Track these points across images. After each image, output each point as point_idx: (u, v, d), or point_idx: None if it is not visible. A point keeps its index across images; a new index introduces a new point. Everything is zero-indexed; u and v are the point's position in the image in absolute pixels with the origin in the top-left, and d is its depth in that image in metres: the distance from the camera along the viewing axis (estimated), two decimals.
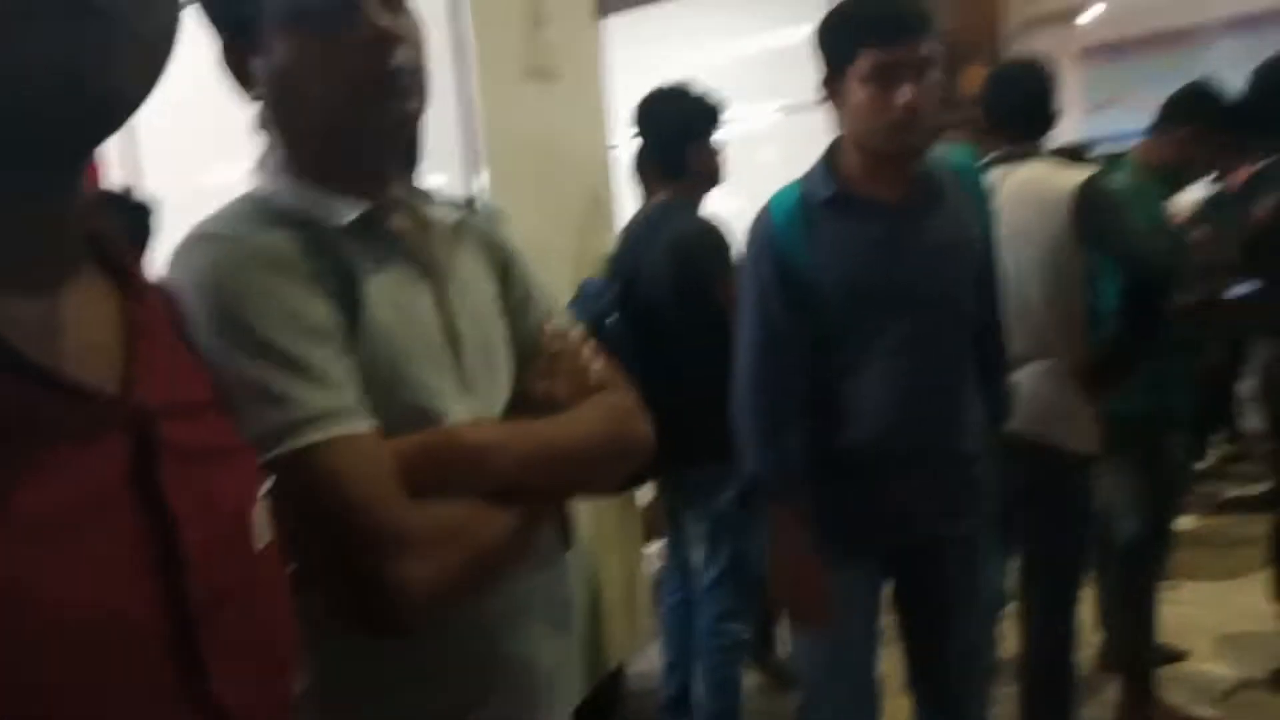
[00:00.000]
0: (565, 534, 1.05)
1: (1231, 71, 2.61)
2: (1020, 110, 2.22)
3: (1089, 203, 2.01)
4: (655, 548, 3.71)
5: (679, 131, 2.41)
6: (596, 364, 1.04)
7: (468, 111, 2.18)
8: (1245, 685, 2.81)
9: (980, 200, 1.69)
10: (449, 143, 2.16)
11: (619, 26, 5.42)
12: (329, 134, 0.90)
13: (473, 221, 1.05)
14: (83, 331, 0.52)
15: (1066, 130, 8.24)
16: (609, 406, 1.00)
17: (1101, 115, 12.78)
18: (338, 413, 0.79)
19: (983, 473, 1.70)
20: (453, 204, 1.05)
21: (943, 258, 1.59)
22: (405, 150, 1.43)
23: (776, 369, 1.60)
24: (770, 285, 1.58)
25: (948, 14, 7.35)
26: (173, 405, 0.56)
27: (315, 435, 0.77)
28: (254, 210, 0.89)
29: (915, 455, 1.60)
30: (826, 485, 1.63)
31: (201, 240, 0.84)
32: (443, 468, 0.84)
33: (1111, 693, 2.70)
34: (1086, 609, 3.18)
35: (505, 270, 1.06)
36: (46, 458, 0.46)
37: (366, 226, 0.90)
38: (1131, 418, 2.44)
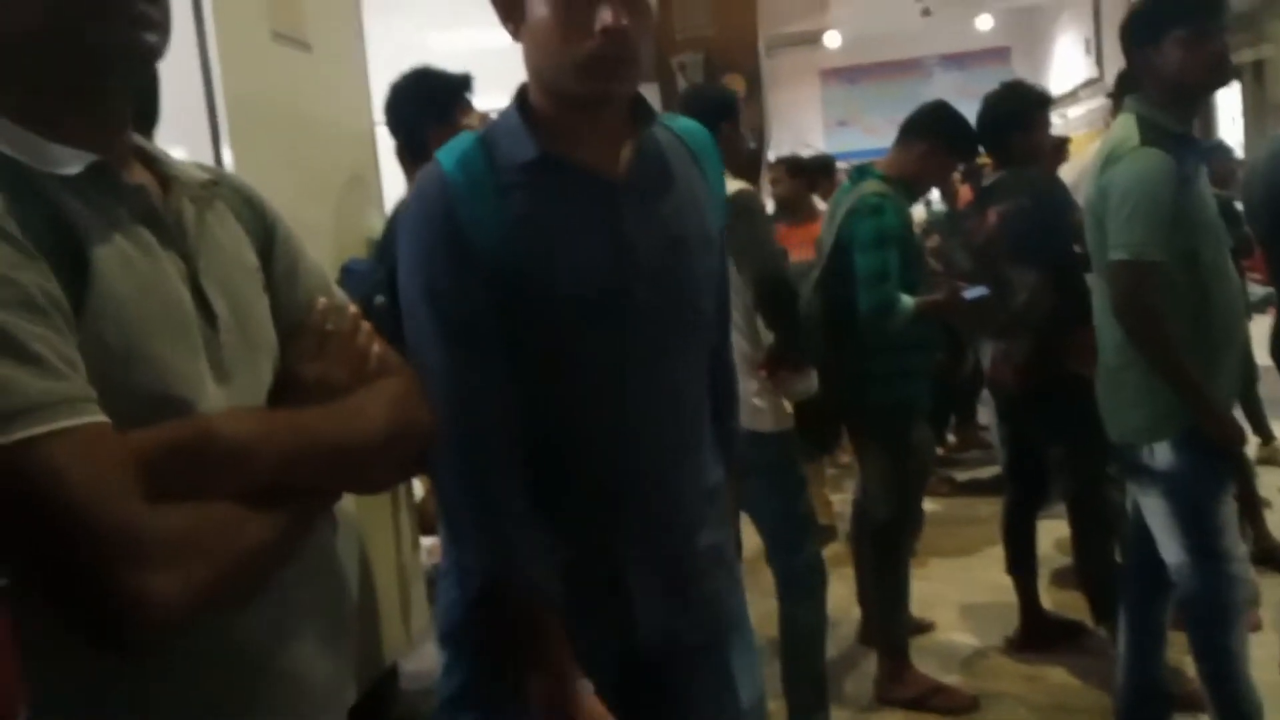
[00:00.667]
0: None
1: (948, 100, 2.90)
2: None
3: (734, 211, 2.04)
4: (430, 542, 3.61)
5: (418, 115, 2.26)
6: (375, 345, 0.93)
7: (207, 76, 1.98)
8: (985, 652, 3.09)
9: (718, 183, 1.31)
10: (186, 109, 1.92)
11: None
12: (38, 54, 0.75)
13: (226, 183, 0.92)
14: None
15: (812, 143, 8.78)
16: (391, 394, 0.90)
17: (838, 132, 13.88)
18: (59, 402, 0.66)
19: (731, 556, 1.36)
20: (200, 166, 0.91)
21: (680, 255, 1.19)
22: (140, 105, 1.24)
23: (482, 407, 1.12)
24: (454, 283, 1.11)
25: (706, 28, 7.71)
26: None
27: (32, 428, 0.64)
28: None
29: (641, 530, 1.19)
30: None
31: None
32: (194, 466, 0.73)
33: (871, 666, 2.90)
34: (846, 588, 3.43)
35: (267, 240, 0.93)
36: None
37: (94, 180, 0.76)
38: (881, 408, 2.65)
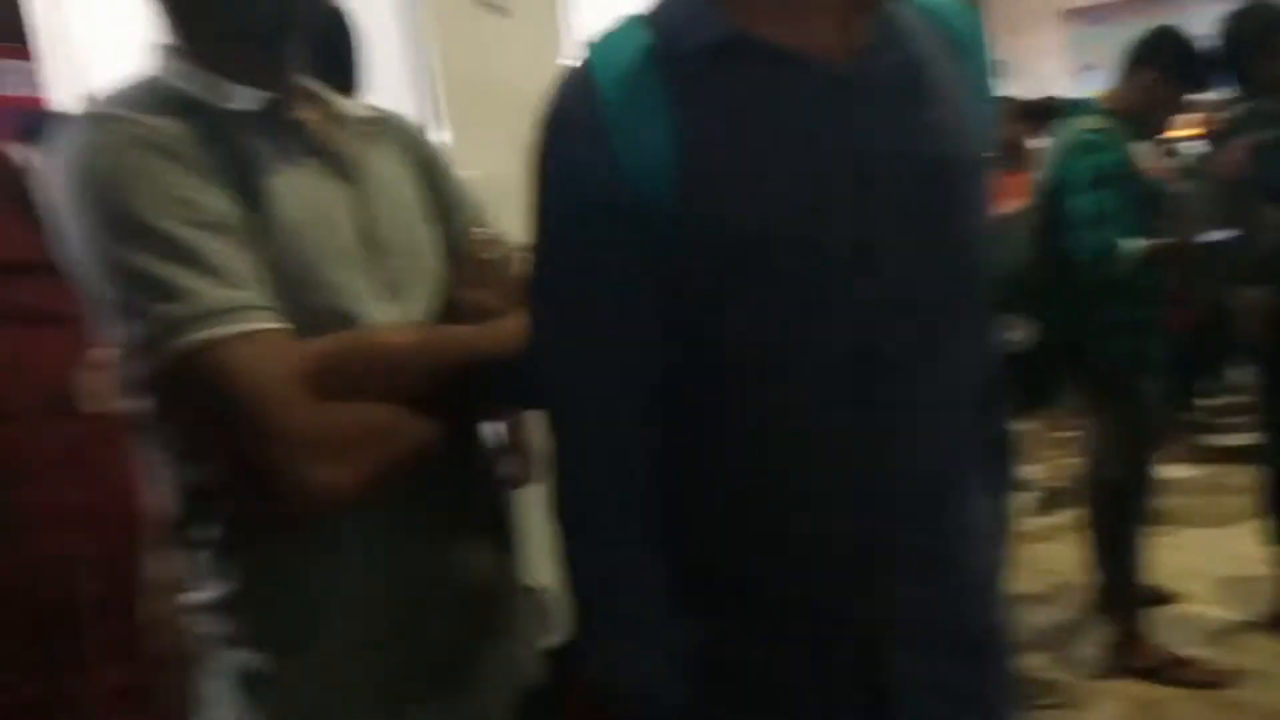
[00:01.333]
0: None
1: (1208, 36, 2.63)
2: None
3: None
4: None
5: None
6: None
7: (417, 46, 2.04)
8: (1241, 627, 2.82)
9: (985, 85, 0.86)
10: (396, 80, 1.99)
11: None
12: (228, 5, 0.83)
13: (390, 120, 1.00)
14: None
15: (1055, 90, 8.19)
16: None
17: (1085, 77, 12.76)
18: (235, 309, 0.75)
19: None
20: (364, 105, 0.99)
21: (945, 187, 0.78)
22: (340, 67, 1.36)
23: (623, 438, 0.80)
24: (597, 244, 0.76)
25: None
26: None
27: (210, 330, 0.73)
28: (143, 93, 0.82)
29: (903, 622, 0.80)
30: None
31: (87, 121, 0.79)
32: (357, 368, 0.81)
33: (1104, 634, 2.73)
34: (1077, 551, 3.22)
35: (428, 173, 1.00)
36: None
37: (270, 117, 0.85)
38: (1106, 362, 2.47)
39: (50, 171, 0.79)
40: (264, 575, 0.83)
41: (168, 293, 0.73)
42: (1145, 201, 2.46)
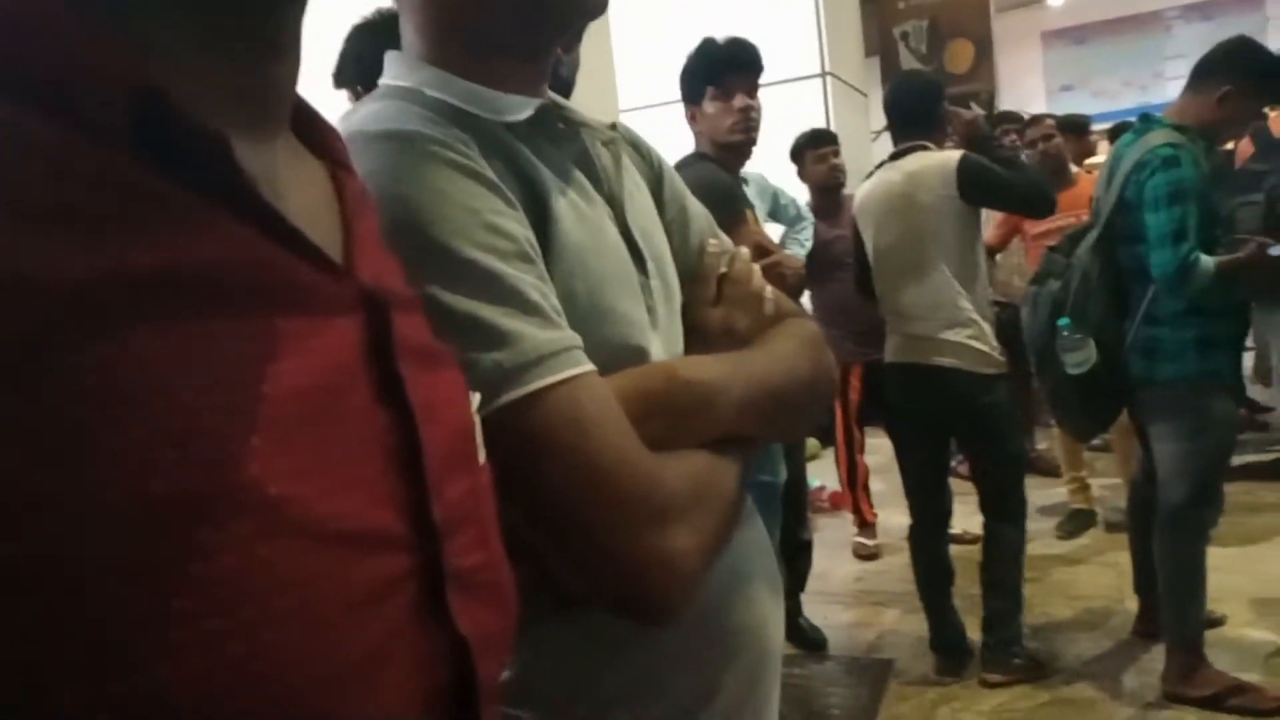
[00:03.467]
0: None
1: (1188, 58, 2.59)
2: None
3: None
4: None
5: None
6: (769, 289, 0.88)
7: None
8: None
9: None
10: None
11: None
12: (514, 15, 0.75)
13: (620, 128, 0.90)
14: (302, 194, 0.43)
15: (1034, 109, 8.32)
16: (804, 337, 0.86)
17: (1062, 98, 12.99)
18: (564, 350, 0.64)
19: None
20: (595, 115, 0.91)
21: None
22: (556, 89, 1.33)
23: None
24: None
25: None
26: (391, 292, 0.45)
27: (547, 377, 0.62)
28: (412, 104, 0.71)
29: None
30: None
31: (366, 139, 0.67)
32: (670, 413, 0.69)
33: (1153, 661, 2.68)
34: (1111, 576, 3.18)
35: (658, 184, 0.91)
36: (282, 331, 0.36)
37: (538, 127, 0.75)
38: (1179, 383, 2.41)
39: None
40: (556, 652, 0.73)
41: (492, 337, 0.62)
42: (1214, 218, 2.42)
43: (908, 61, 7.34)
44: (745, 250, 0.90)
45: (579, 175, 0.78)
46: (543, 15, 0.76)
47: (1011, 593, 2.77)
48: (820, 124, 5.47)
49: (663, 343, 0.79)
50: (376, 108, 0.72)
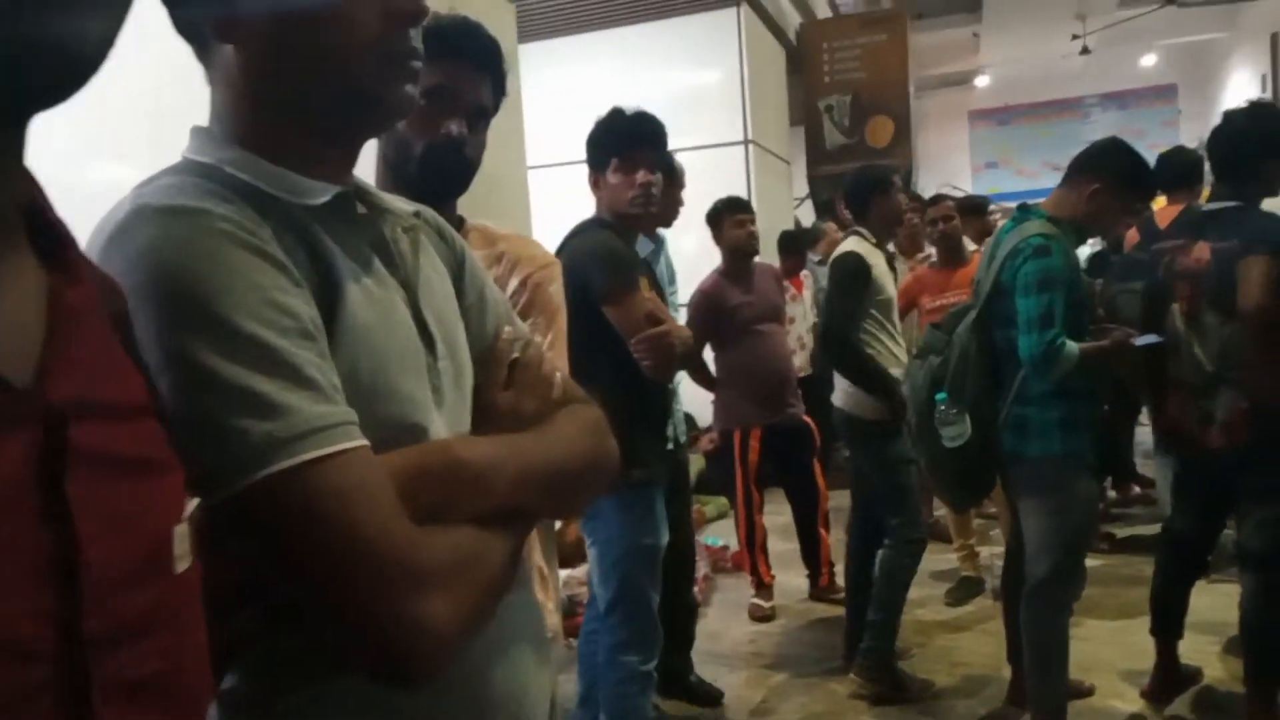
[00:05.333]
0: None
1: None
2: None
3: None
4: (567, 574, 3.67)
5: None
6: (558, 375, 0.95)
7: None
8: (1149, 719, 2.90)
9: None
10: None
11: (534, 53, 5.52)
12: (326, 103, 0.79)
13: (425, 215, 0.96)
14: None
15: (959, 185, 8.63)
16: (584, 421, 0.92)
17: (987, 174, 13.50)
18: (337, 424, 0.67)
19: None
20: (398, 199, 0.94)
21: None
22: (449, 172, 1.38)
23: None
24: None
25: (856, 70, 7.68)
26: (93, 404, 0.48)
27: (316, 450, 0.65)
28: (205, 181, 0.73)
29: None
30: None
31: (152, 214, 0.69)
32: (442, 489, 0.74)
33: None
34: (994, 644, 3.27)
35: (459, 269, 0.96)
36: None
37: (336, 211, 0.79)
38: (1043, 460, 2.52)
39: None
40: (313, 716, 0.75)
41: (265, 409, 0.65)
42: (1082, 305, 2.55)
43: (831, 134, 7.58)
44: (539, 338, 0.96)
45: (373, 258, 0.82)
46: (356, 116, 0.81)
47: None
48: (741, 189, 5.63)
49: (447, 422, 0.83)
50: (170, 181, 0.74)
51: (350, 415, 0.70)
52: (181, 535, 0.53)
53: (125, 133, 2.42)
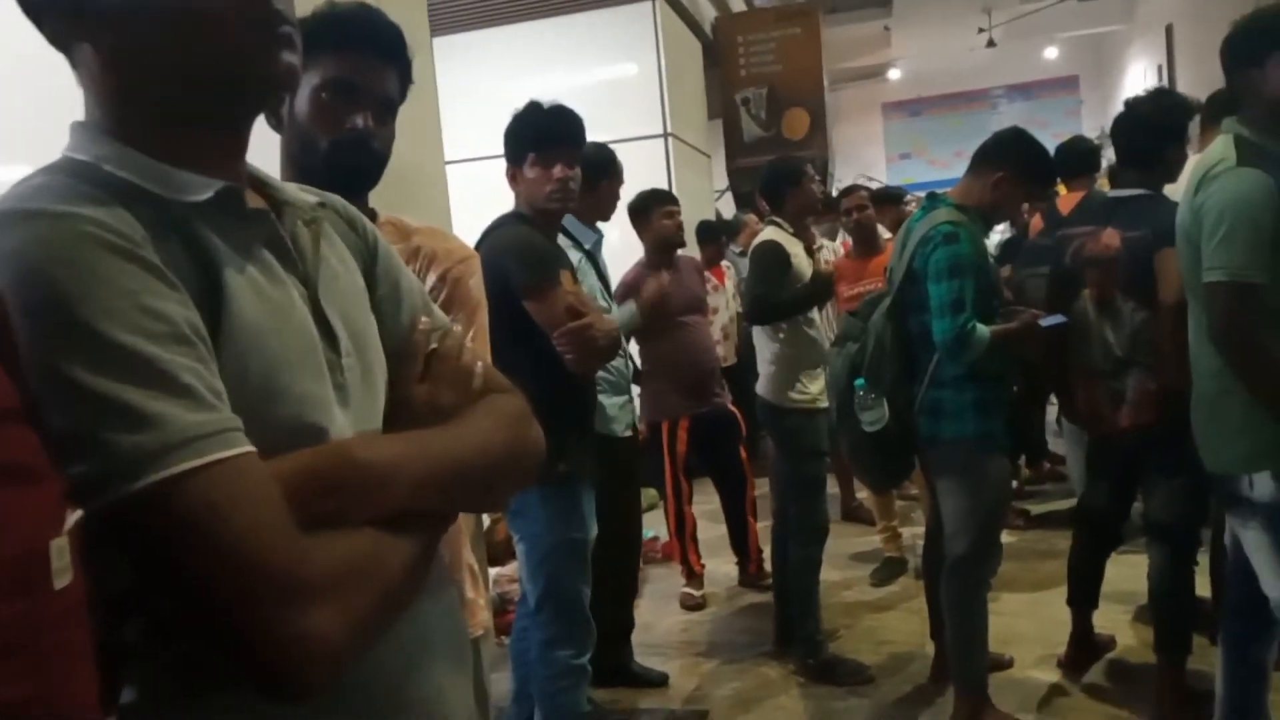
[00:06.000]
0: None
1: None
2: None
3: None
4: (496, 572, 3.66)
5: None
6: (479, 365, 0.91)
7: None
8: (1066, 689, 3.01)
9: None
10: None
11: (450, 46, 5.46)
12: (195, 86, 0.75)
13: (330, 204, 0.92)
14: None
15: (875, 175, 8.81)
16: (503, 412, 0.89)
17: (901, 165, 13.80)
18: (213, 433, 0.64)
19: None
20: (303, 189, 0.90)
21: None
22: (357, 167, 1.35)
23: None
24: None
25: (771, 64, 7.77)
26: None
27: (190, 460, 0.62)
28: (79, 181, 0.70)
29: None
30: None
31: (15, 218, 0.65)
32: (335, 493, 0.71)
33: (945, 704, 2.83)
34: (917, 622, 3.36)
35: (370, 260, 0.93)
36: None
37: (222, 206, 0.75)
38: (957, 441, 2.60)
39: None
40: None
41: (136, 420, 0.62)
42: (991, 290, 2.63)
43: (749, 126, 7.67)
44: (457, 328, 0.94)
45: (265, 255, 0.79)
46: (226, 88, 0.76)
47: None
48: (662, 182, 5.65)
49: (352, 420, 0.80)
50: (39, 183, 0.70)
51: (231, 422, 0.67)
52: (60, 548, 0.51)
53: (13, 131, 2.33)
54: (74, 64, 0.77)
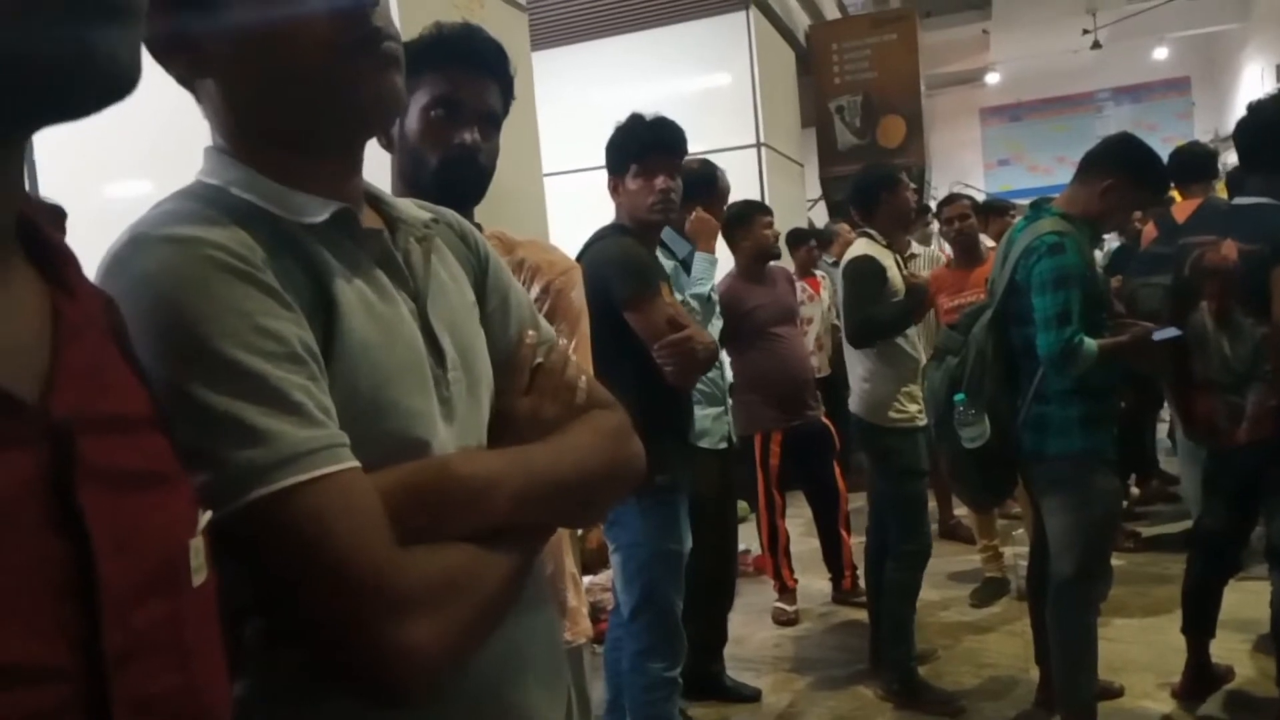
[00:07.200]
0: None
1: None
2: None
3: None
4: (589, 581, 3.68)
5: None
6: (582, 379, 0.92)
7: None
8: (1179, 718, 2.87)
9: None
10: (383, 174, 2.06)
11: (546, 61, 5.55)
12: (301, 110, 0.78)
13: (443, 219, 0.94)
14: (1, 326, 0.45)
15: (972, 183, 8.62)
16: (603, 428, 0.90)
17: (999, 171, 13.45)
18: (321, 449, 0.67)
19: None
20: (417, 204, 0.92)
21: None
22: (467, 182, 1.39)
23: None
24: None
25: (866, 71, 7.67)
26: (100, 419, 0.48)
27: (297, 475, 0.65)
28: (206, 205, 0.74)
29: None
30: None
31: (147, 243, 0.70)
32: (436, 508, 0.73)
33: None
34: (1020, 645, 3.25)
35: (481, 274, 0.95)
36: None
37: (337, 227, 0.79)
38: (1064, 458, 2.51)
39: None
40: None
41: (248, 436, 0.65)
42: (1099, 301, 2.54)
43: (843, 134, 7.58)
44: (564, 342, 0.95)
45: (377, 272, 0.81)
46: (337, 121, 0.80)
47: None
48: (755, 192, 5.63)
49: (457, 434, 0.82)
50: (169, 208, 0.74)
51: (339, 438, 0.70)
52: (196, 548, 0.53)
53: (144, 150, 2.45)
54: (198, 99, 0.81)
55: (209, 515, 0.57)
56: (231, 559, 0.63)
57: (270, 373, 0.67)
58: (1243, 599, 3.04)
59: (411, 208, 0.90)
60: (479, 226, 1.50)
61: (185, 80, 0.80)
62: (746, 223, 3.75)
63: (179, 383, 0.65)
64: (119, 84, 0.45)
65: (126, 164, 2.71)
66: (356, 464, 0.70)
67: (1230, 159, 2.91)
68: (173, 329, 0.66)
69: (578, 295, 1.59)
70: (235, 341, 0.67)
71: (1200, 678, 2.95)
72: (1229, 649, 3.11)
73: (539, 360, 0.92)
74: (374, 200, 0.88)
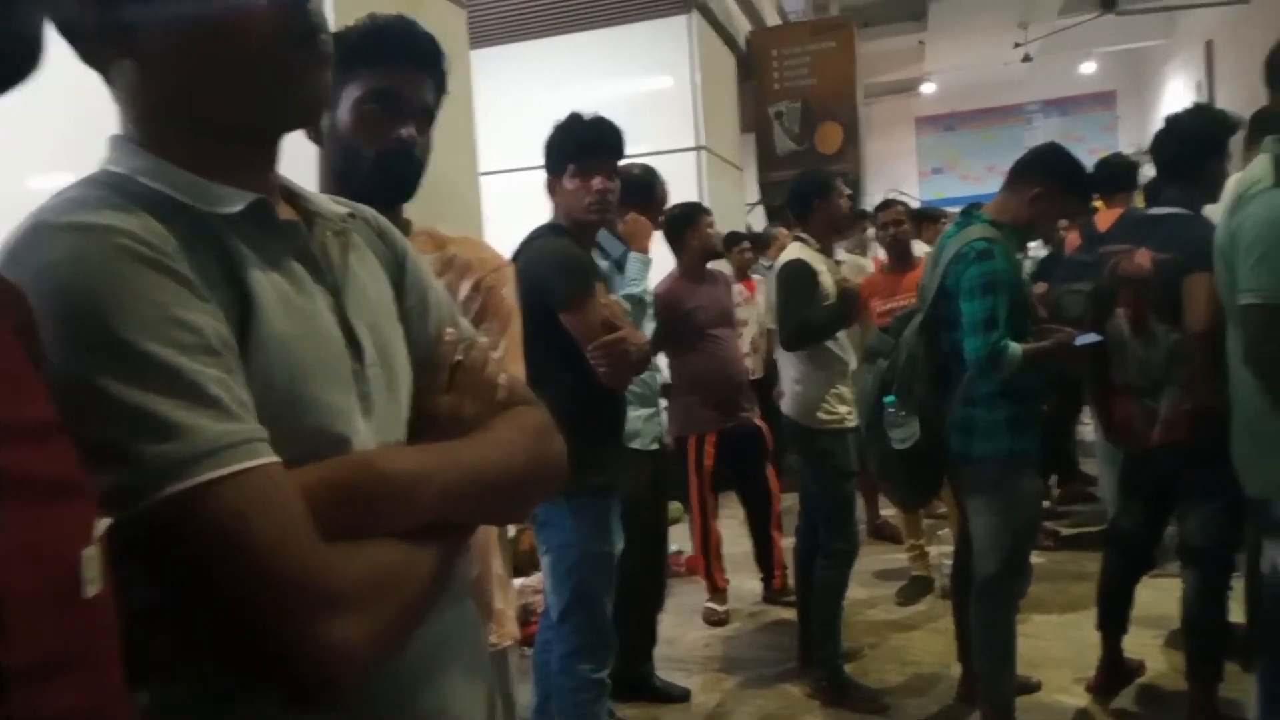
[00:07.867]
0: None
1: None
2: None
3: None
4: (521, 582, 3.66)
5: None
6: (503, 376, 0.92)
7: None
8: (1095, 714, 2.96)
9: None
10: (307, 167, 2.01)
11: (486, 59, 5.51)
12: (238, 100, 0.76)
13: (360, 215, 0.92)
14: None
15: (906, 190, 8.78)
16: (526, 425, 0.89)
17: (933, 179, 13.73)
18: (240, 443, 0.65)
19: None
20: (334, 200, 0.90)
21: None
22: (403, 177, 1.37)
23: None
24: None
25: (805, 77, 7.75)
26: (10, 425, 0.46)
27: (216, 470, 0.63)
28: (113, 193, 0.71)
29: None
30: None
31: (50, 231, 0.66)
32: (361, 504, 0.71)
33: None
34: (943, 642, 3.32)
35: (399, 270, 0.93)
36: None
37: (253, 218, 0.76)
38: (988, 459, 2.57)
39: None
40: None
41: (162, 430, 0.63)
42: (1025, 307, 2.60)
43: (781, 140, 7.67)
44: (483, 339, 0.94)
45: (294, 266, 0.79)
46: (268, 105, 0.78)
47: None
48: (694, 195, 5.65)
49: (376, 430, 0.81)
50: (75, 195, 0.71)
51: (257, 432, 0.67)
52: (90, 558, 0.51)
53: (59, 142, 2.38)
54: (109, 80, 0.78)
55: (107, 522, 0.54)
56: (137, 561, 0.61)
57: (185, 365, 0.65)
58: (1155, 596, 3.15)
59: (328, 202, 0.88)
60: (408, 224, 1.49)
61: (95, 59, 0.77)
62: (693, 223, 3.78)
63: (86, 376, 0.62)
64: (21, 66, 0.43)
65: (45, 156, 2.63)
66: (277, 459, 0.68)
67: (1150, 170, 3.00)
68: (80, 320, 0.63)
69: (509, 293, 1.58)
70: (147, 333, 0.64)
71: (1114, 673, 3.05)
72: (1142, 644, 3.22)
73: (459, 358, 0.91)
74: (289, 194, 0.86)
